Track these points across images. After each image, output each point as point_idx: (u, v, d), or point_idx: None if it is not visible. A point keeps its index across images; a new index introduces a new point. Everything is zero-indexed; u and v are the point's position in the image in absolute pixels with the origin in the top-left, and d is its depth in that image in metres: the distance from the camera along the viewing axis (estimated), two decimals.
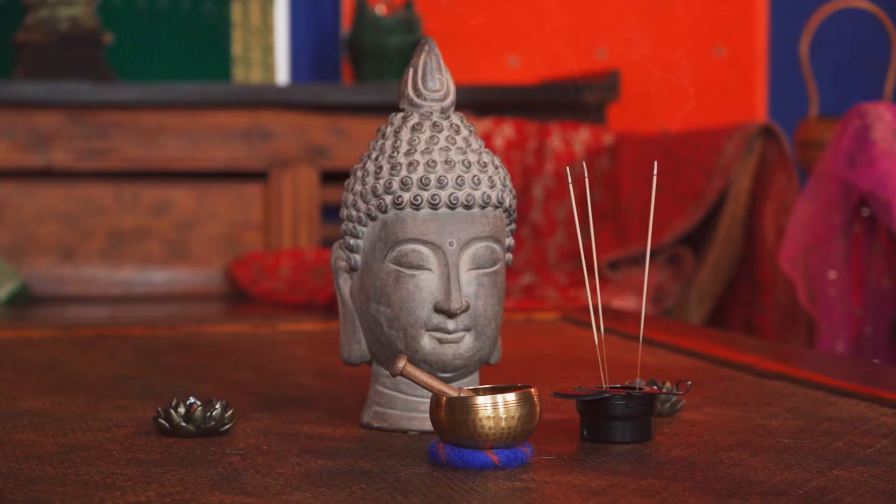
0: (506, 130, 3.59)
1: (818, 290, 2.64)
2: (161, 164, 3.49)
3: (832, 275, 2.61)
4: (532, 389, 1.21)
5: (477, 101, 3.70)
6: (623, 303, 2.97)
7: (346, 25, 3.89)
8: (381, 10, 3.78)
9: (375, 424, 1.39)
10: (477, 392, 1.23)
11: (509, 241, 1.42)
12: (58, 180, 3.44)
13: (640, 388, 1.32)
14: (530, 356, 1.95)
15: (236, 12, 4.01)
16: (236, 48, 4.01)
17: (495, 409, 1.18)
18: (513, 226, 1.42)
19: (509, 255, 1.43)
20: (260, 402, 1.54)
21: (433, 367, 1.35)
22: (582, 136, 3.59)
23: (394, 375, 1.23)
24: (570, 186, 1.37)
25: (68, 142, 3.42)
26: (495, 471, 1.18)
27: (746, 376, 1.73)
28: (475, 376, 1.41)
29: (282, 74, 4.04)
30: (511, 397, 1.19)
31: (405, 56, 3.73)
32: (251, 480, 1.15)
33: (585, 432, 1.32)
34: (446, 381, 1.36)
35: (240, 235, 3.51)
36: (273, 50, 4.05)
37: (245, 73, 4.00)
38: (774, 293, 3.01)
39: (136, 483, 1.13)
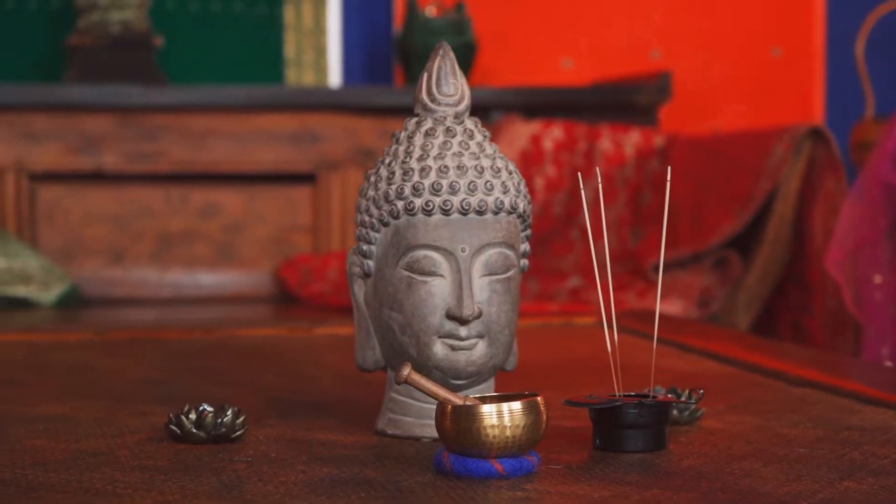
0: (555, 132, 3.57)
1: (864, 294, 2.60)
2: (210, 166, 3.50)
3: (878, 279, 2.57)
4: (538, 398, 1.19)
5: (527, 104, 3.68)
6: (668, 307, 2.94)
7: (398, 27, 3.88)
8: (431, 11, 3.78)
9: (389, 431, 1.38)
10: (484, 400, 1.22)
11: (524, 247, 1.41)
12: (107, 183, 3.46)
13: (655, 397, 1.31)
14: (563, 361, 1.94)
15: (289, 14, 4.02)
16: (289, 50, 4.02)
17: (500, 417, 1.17)
18: (528, 231, 1.41)
19: (525, 262, 1.42)
20: (278, 408, 1.53)
21: (446, 374, 1.34)
22: (632, 138, 3.56)
23: (398, 383, 1.22)
24: (582, 192, 1.36)
25: (117, 145, 3.44)
26: (500, 480, 1.17)
27: (776, 383, 1.71)
28: (490, 383, 1.40)
29: (334, 77, 4.03)
30: (516, 406, 1.18)
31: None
32: (252, 488, 1.14)
33: (598, 441, 1.30)
34: (459, 388, 1.35)
35: (288, 238, 3.51)
36: (325, 52, 4.05)
37: (297, 76, 4.00)
38: (824, 297, 2.98)
39: (136, 490, 1.13)
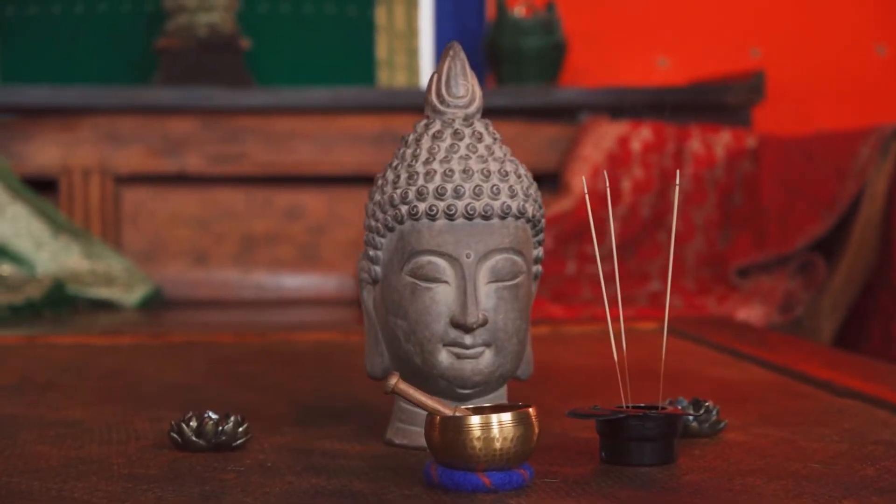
0: (643, 133, 3.51)
1: None
2: (293, 168, 3.50)
3: None
4: (530, 409, 1.15)
5: (615, 104, 3.63)
6: (749, 311, 2.87)
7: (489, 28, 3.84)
8: (520, 11, 3.74)
9: (397, 441, 1.35)
10: (476, 411, 1.18)
11: (537, 252, 1.37)
12: (191, 185, 3.47)
13: (664, 409, 1.26)
14: (602, 367, 1.88)
15: (380, 16, 4.00)
16: (381, 52, 4.00)
17: (487, 429, 1.13)
18: (540, 236, 1.37)
19: (538, 268, 1.38)
20: (298, 415, 1.51)
21: (451, 383, 1.30)
22: (723, 139, 3.49)
23: (386, 393, 1.19)
24: (587, 197, 1.31)
25: (201, 147, 3.45)
26: (487, 494, 1.13)
27: (820, 393, 1.65)
28: (501, 392, 1.36)
29: (426, 78, 4.01)
30: (506, 417, 1.14)
31: (544, 59, 3.68)
32: (230, 499, 1.12)
33: (603, 454, 1.26)
34: (466, 397, 1.31)
35: None
36: (417, 53, 4.03)
37: (389, 77, 3.99)
38: None
39: (112, 500, 1.11)
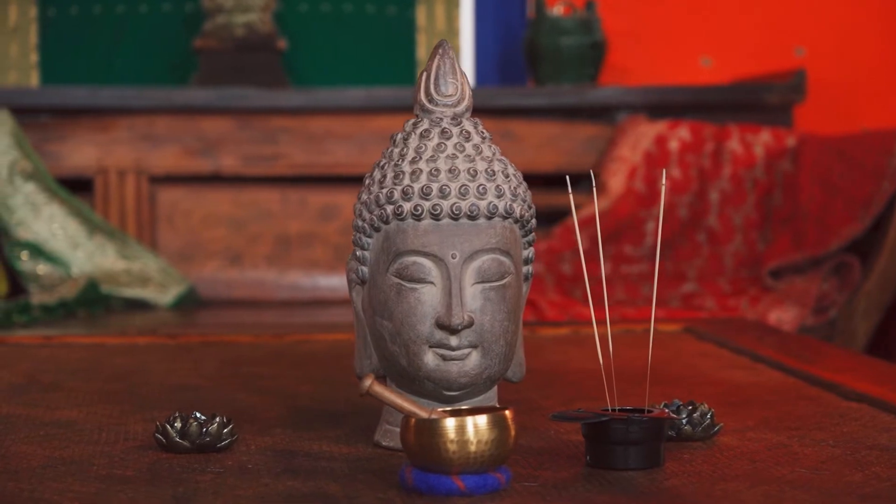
0: (681, 133, 3.48)
1: None
2: (328, 169, 3.49)
3: None
4: (507, 412, 1.14)
5: (654, 103, 3.60)
6: (782, 313, 2.83)
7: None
8: (558, 10, 3.71)
9: (384, 443, 1.34)
10: (454, 413, 1.16)
11: (527, 253, 1.35)
12: (226, 185, 3.47)
13: (649, 412, 1.24)
14: (615, 370, 1.86)
15: (421, 16, 3.99)
16: (421, 52, 3.99)
17: (462, 432, 1.11)
18: (530, 237, 1.35)
19: (529, 269, 1.36)
20: (294, 417, 1.50)
21: (438, 384, 1.29)
22: (762, 139, 3.45)
23: (361, 395, 1.17)
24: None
25: (236, 147, 3.46)
26: (461, 497, 1.12)
27: (830, 397, 1.62)
28: (490, 394, 1.34)
29: (467, 78, 3.99)
30: (481, 420, 1.12)
31: (582, 58, 3.66)
32: (201, 501, 1.11)
33: (588, 457, 1.24)
34: (453, 399, 1.30)
35: None
36: (458, 53, 4.01)
37: None
38: None
39: (82, 501, 1.11)
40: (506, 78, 3.94)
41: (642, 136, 3.47)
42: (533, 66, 3.71)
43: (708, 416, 1.36)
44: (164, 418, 1.32)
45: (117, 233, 3.32)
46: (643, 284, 3.13)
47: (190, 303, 3.30)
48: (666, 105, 3.62)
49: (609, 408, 1.26)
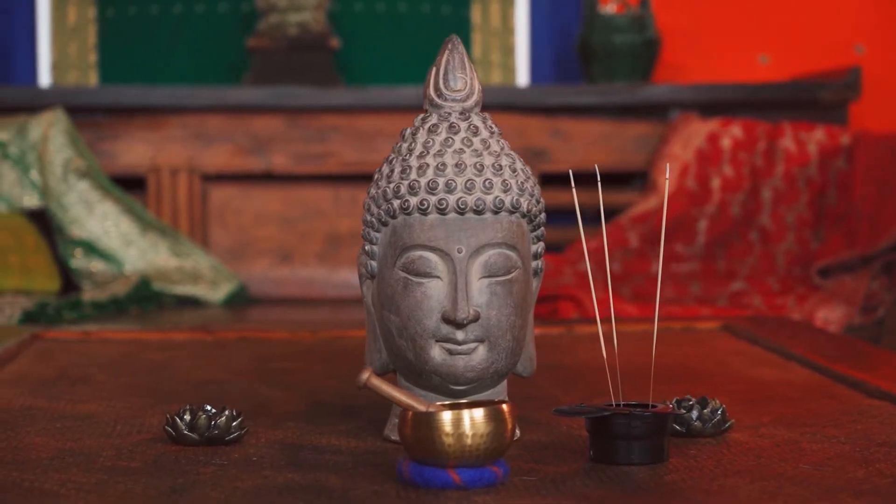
0: (734, 131, 3.46)
1: None
2: (378, 167, 3.49)
3: None
4: (504, 406, 1.14)
5: (707, 101, 3.58)
6: (829, 312, 2.81)
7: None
8: (612, 8, 3.70)
9: (392, 437, 1.34)
10: (452, 407, 1.16)
11: (536, 248, 1.35)
12: (276, 183, 3.49)
13: (654, 407, 1.24)
14: (637, 367, 1.85)
15: (476, 14, 3.99)
16: (476, 50, 3.98)
17: (458, 426, 1.12)
18: (539, 232, 1.35)
19: (538, 263, 1.36)
20: (311, 412, 1.51)
21: (444, 379, 1.29)
22: (816, 137, 3.42)
23: (358, 388, 1.17)
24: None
25: (287, 145, 3.47)
26: (456, 491, 1.12)
27: (853, 395, 1.60)
28: (499, 389, 1.34)
29: (522, 76, 3.98)
30: (478, 414, 1.12)
31: (636, 56, 3.64)
32: (198, 493, 1.12)
33: (591, 452, 1.24)
34: (460, 394, 1.30)
35: None
36: (513, 52, 4.00)
37: (485, 76, 3.97)
38: None
39: (81, 492, 1.12)
40: (560, 76, 3.93)
41: (694, 133, 3.45)
42: (586, 65, 3.70)
43: (719, 413, 1.35)
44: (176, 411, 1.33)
45: (169, 230, 3.35)
46: (692, 283, 3.11)
47: (240, 301, 3.32)
48: (719, 103, 3.60)
49: (614, 403, 1.26)
